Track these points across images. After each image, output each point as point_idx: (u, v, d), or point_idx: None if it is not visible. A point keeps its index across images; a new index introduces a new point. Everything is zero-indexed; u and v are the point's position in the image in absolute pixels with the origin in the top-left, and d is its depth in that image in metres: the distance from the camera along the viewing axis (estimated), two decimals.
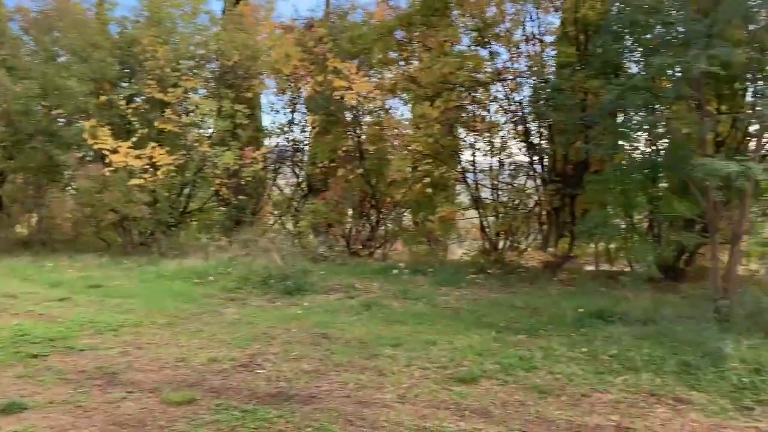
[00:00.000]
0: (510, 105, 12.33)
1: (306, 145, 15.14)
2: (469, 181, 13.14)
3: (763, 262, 7.27)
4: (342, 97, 11.64)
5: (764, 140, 8.39)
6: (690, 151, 6.80)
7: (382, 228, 14.13)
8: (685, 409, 4.83)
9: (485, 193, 13.22)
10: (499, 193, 13.02)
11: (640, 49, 8.31)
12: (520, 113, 12.04)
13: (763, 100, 6.52)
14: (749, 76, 7.84)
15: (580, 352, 6.14)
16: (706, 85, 9.04)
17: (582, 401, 5.03)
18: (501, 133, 12.83)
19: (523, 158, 12.72)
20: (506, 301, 8.77)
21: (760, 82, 7.66)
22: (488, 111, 13.01)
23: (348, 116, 13.35)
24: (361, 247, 13.56)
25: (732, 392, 5.09)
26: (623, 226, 10.37)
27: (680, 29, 7.11)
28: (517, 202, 12.92)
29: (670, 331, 6.31)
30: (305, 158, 15.27)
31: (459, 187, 13.85)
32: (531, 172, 12.62)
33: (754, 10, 6.28)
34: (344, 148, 12.83)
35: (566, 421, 4.62)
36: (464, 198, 13.78)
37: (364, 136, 13.43)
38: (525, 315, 7.85)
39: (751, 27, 7.62)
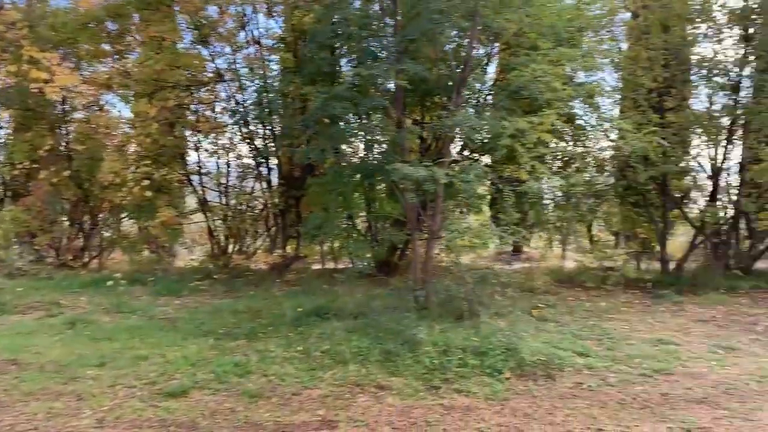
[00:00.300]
0: (236, 106, 12.18)
1: (2, 143, 13.17)
2: (195, 183, 12.72)
3: (456, 254, 8.22)
4: (41, 91, 10.30)
5: (452, 148, 9.62)
6: (393, 157, 7.39)
7: (98, 235, 12.94)
8: (384, 395, 5.24)
9: (213, 196, 12.93)
10: (227, 196, 12.83)
11: (352, 59, 8.89)
12: (244, 115, 11.94)
13: (448, 112, 7.33)
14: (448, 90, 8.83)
15: (296, 351, 6.30)
16: (410, 97, 10.05)
17: (292, 400, 5.15)
18: (227, 135, 12.67)
19: (250, 160, 12.69)
20: (229, 306, 8.63)
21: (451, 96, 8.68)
22: (214, 111, 12.75)
23: (52, 112, 11.94)
24: (72, 257, 12.23)
25: (424, 374, 5.66)
26: (344, 226, 10.97)
27: (383, 44, 7.73)
28: (245, 205, 12.86)
29: (376, 323, 6.80)
30: (1, 158, 13.25)
31: (186, 190, 13.32)
32: (258, 175, 12.64)
33: (438, 32, 7.06)
34: (47, 147, 11.40)
35: (274, 423, 4.69)
36: (192, 201, 13.29)
37: (72, 135, 12.13)
38: (246, 319, 7.80)
39: (447, 47, 8.64)
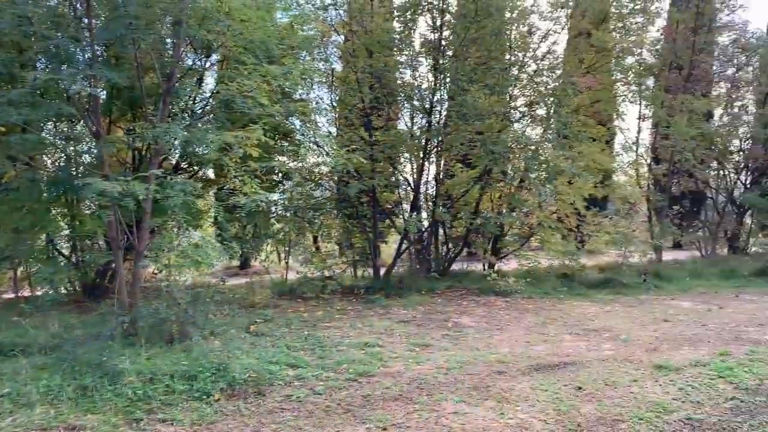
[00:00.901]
0: None
1: None
2: None
3: (169, 273, 7.78)
4: None
5: (171, 161, 9.17)
6: (90, 171, 6.72)
7: None
8: None
9: None
10: None
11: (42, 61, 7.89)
12: None
13: (148, 123, 6.92)
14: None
15: None
16: (117, 105, 9.32)
17: None
18: None
19: None
20: None
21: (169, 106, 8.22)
22: None
23: None
24: None
25: (126, 407, 5.18)
26: (40, 247, 9.71)
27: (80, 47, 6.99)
28: None
29: (73, 356, 6.07)
30: None
31: None
32: None
33: (137, 38, 6.57)
34: None
35: None
36: None
37: None
38: None
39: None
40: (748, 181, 18.98)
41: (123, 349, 6.27)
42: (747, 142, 18.54)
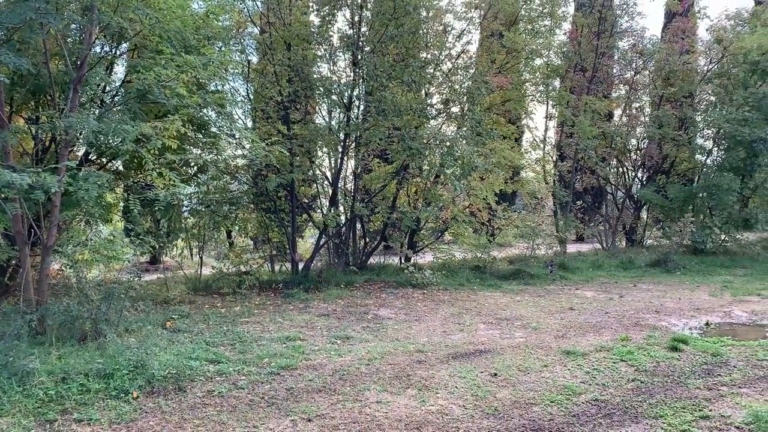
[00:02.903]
0: None
1: None
2: None
3: (78, 270, 7.40)
4: None
5: (77, 152, 8.72)
6: None
7: None
8: None
9: None
10: None
11: None
12: None
13: (59, 112, 6.60)
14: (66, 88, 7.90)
15: None
16: (19, 92, 8.78)
17: None
18: None
19: None
20: None
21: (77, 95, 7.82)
22: None
23: None
24: None
25: (38, 408, 4.98)
26: None
27: None
28: None
29: None
30: None
31: None
32: None
33: (45, 23, 6.22)
34: None
35: None
36: None
37: None
38: None
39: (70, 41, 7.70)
40: (644, 178, 20.29)
41: (31, 349, 6.02)
42: (643, 141, 19.83)
